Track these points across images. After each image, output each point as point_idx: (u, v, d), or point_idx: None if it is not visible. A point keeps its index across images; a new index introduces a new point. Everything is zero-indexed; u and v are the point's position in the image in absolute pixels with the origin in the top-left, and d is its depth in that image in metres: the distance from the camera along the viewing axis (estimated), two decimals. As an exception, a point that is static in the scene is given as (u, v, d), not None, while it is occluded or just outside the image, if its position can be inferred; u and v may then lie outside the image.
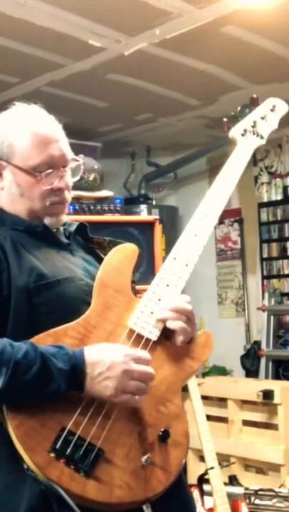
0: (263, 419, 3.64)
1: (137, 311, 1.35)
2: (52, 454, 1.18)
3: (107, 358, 1.22)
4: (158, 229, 3.60)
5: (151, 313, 1.36)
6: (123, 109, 4.86)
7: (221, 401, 3.82)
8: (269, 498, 3.10)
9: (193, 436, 2.92)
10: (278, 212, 5.39)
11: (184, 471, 1.43)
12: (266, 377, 4.89)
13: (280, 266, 5.37)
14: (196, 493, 2.91)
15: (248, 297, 5.69)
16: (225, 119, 1.64)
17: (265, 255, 5.47)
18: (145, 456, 1.25)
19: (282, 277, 5.35)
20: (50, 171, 1.42)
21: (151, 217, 3.87)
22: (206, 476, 2.87)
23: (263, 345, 5.06)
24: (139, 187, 5.90)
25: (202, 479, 2.93)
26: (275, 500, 3.09)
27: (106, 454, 1.22)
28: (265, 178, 5.54)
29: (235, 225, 5.80)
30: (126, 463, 1.23)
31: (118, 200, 3.73)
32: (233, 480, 3.29)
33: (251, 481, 3.51)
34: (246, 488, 3.15)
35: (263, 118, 1.65)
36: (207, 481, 2.87)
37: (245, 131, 1.62)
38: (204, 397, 3.40)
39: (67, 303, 1.35)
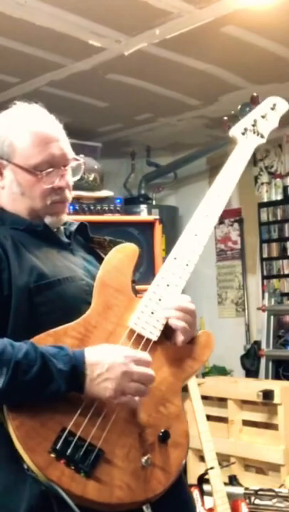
0: (263, 419, 3.64)
1: (137, 311, 1.35)
2: (52, 455, 1.18)
3: (106, 360, 1.22)
4: (158, 229, 3.60)
5: (152, 313, 1.36)
6: (123, 109, 4.86)
7: (221, 401, 3.82)
8: (269, 498, 3.10)
9: (193, 436, 2.92)
10: (278, 212, 5.39)
11: (184, 471, 1.43)
12: (266, 377, 4.89)
13: (280, 266, 5.37)
14: (196, 493, 2.91)
15: (248, 297, 5.69)
16: (225, 118, 1.64)
17: (265, 255, 5.47)
18: (145, 457, 1.25)
19: (282, 277, 5.35)
20: (50, 169, 1.42)
21: (151, 217, 3.87)
22: (206, 476, 2.87)
23: (263, 345, 5.06)
24: (139, 187, 5.90)
25: (202, 479, 2.93)
26: (275, 500, 3.09)
27: (106, 454, 1.22)
28: (265, 178, 5.54)
29: (235, 225, 5.80)
30: (126, 463, 1.23)
31: (118, 200, 3.73)
32: (233, 480, 3.29)
33: (251, 481, 3.51)
34: (246, 488, 3.15)
35: (263, 117, 1.64)
36: (207, 481, 2.87)
37: (245, 130, 1.62)
38: (204, 397, 3.40)
39: (67, 302, 1.35)
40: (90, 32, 3.51)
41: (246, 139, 1.61)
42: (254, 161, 5.55)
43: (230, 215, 5.72)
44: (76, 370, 1.20)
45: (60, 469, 1.17)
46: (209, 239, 1.46)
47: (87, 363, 1.21)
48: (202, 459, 3.23)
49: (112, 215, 3.61)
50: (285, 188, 5.38)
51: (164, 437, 1.28)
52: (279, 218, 5.38)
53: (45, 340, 1.24)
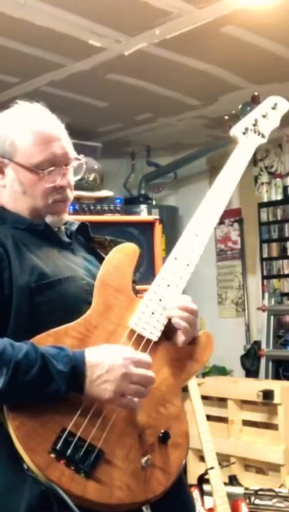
0: (263, 419, 3.64)
1: (137, 312, 1.35)
2: (52, 455, 1.18)
3: (106, 361, 1.22)
4: (158, 229, 3.59)
5: (152, 313, 1.36)
6: (123, 109, 4.86)
7: (221, 401, 3.82)
8: (269, 498, 3.10)
9: (193, 436, 2.92)
10: (278, 212, 5.39)
11: (184, 471, 1.43)
12: (266, 377, 4.89)
13: (280, 266, 5.37)
14: (196, 493, 2.91)
15: (248, 297, 5.69)
16: (226, 117, 1.64)
17: (265, 255, 5.46)
18: (145, 458, 1.25)
19: (282, 277, 5.35)
20: (52, 168, 1.41)
21: (151, 217, 3.87)
22: (206, 476, 2.87)
23: (263, 345, 5.06)
24: (139, 187, 5.90)
25: (202, 479, 2.92)
26: (275, 500, 3.09)
27: (106, 455, 1.22)
28: (265, 178, 5.54)
29: (235, 225, 5.79)
30: (126, 464, 1.23)
31: (118, 200, 3.73)
32: (233, 480, 3.29)
33: (251, 481, 3.51)
34: (246, 488, 3.15)
35: (264, 116, 1.64)
36: (207, 481, 2.87)
37: (246, 129, 1.61)
38: (204, 397, 3.40)
39: (68, 302, 1.34)
40: (90, 32, 3.50)
41: (247, 138, 1.61)
42: (254, 161, 5.54)
43: (230, 215, 5.72)
44: (76, 371, 1.20)
45: (60, 469, 1.17)
46: (209, 239, 1.46)
47: (88, 364, 1.21)
48: (202, 459, 3.23)
49: (112, 215, 3.61)
50: (285, 188, 5.37)
51: (164, 438, 1.28)
52: (279, 218, 5.38)
53: (45, 340, 1.24)
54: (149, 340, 1.34)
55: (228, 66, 4.08)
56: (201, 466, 3.37)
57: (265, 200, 5.49)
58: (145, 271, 3.27)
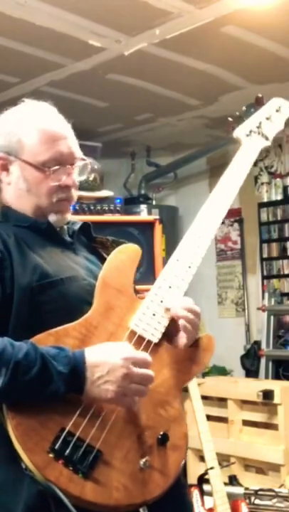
0: (263, 419, 3.64)
1: (138, 313, 1.35)
2: (51, 455, 1.17)
3: (107, 362, 1.22)
4: (158, 229, 3.59)
5: (154, 315, 1.35)
6: (123, 109, 4.86)
7: (221, 401, 3.82)
8: (269, 498, 3.10)
9: (193, 436, 2.93)
10: (278, 212, 5.39)
11: (183, 473, 1.43)
12: (266, 377, 4.89)
13: (280, 266, 5.37)
14: (196, 493, 2.91)
15: (248, 297, 5.69)
16: (230, 119, 1.63)
17: (265, 255, 5.46)
18: (144, 459, 1.24)
19: (282, 277, 5.34)
20: (58, 167, 1.41)
21: (151, 217, 3.86)
22: (206, 476, 2.87)
23: (263, 345, 5.06)
24: (139, 187, 5.90)
25: (202, 479, 2.93)
26: (275, 500, 3.09)
27: (105, 455, 1.21)
28: (265, 178, 5.54)
29: (235, 225, 5.80)
30: (124, 465, 1.23)
31: (118, 200, 3.72)
32: (233, 480, 3.29)
33: (251, 481, 3.51)
34: (246, 488, 3.15)
35: (268, 118, 1.63)
36: (207, 481, 2.87)
37: (250, 131, 1.60)
38: (204, 397, 3.40)
39: (70, 302, 1.34)
40: (90, 32, 3.51)
41: (251, 140, 1.60)
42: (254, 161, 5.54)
43: (230, 215, 5.72)
44: (76, 372, 1.19)
45: (59, 469, 1.17)
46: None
47: (88, 364, 1.21)
48: (202, 459, 3.23)
49: (112, 215, 3.60)
50: (285, 188, 5.37)
51: (163, 440, 1.28)
52: (279, 218, 5.38)
53: (46, 340, 1.24)
54: (149, 342, 1.33)
55: (228, 66, 4.08)
56: (201, 466, 3.37)
57: (265, 200, 5.49)
58: (145, 271, 3.27)
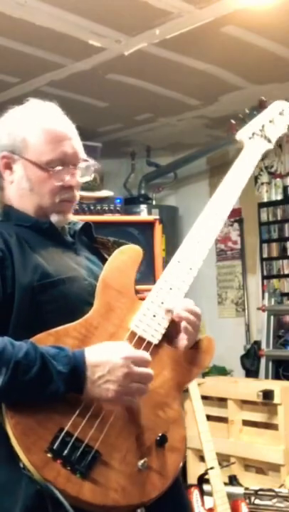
0: (263, 419, 3.64)
1: (139, 314, 1.35)
2: (49, 455, 1.17)
3: (107, 361, 1.22)
4: (158, 229, 3.59)
5: (154, 316, 1.35)
6: (123, 109, 4.86)
7: (221, 401, 3.82)
8: (269, 498, 3.10)
9: (193, 436, 2.94)
10: (278, 212, 5.39)
11: (183, 473, 1.43)
12: (266, 377, 4.89)
13: (280, 266, 5.37)
14: (196, 493, 2.91)
15: (248, 297, 5.69)
16: (233, 121, 1.63)
17: (265, 255, 5.46)
18: (142, 461, 1.24)
19: (282, 277, 5.34)
20: (61, 167, 1.41)
21: (151, 217, 3.86)
22: (206, 476, 2.87)
23: (263, 345, 5.06)
24: (139, 187, 5.90)
25: (202, 479, 2.92)
26: (275, 500, 3.08)
27: (103, 456, 1.21)
28: (265, 178, 5.54)
29: (235, 225, 5.79)
30: (123, 466, 1.23)
31: (118, 200, 3.72)
32: (233, 480, 3.29)
33: (251, 481, 3.50)
34: (246, 488, 3.15)
35: (271, 121, 1.63)
36: (207, 481, 2.87)
37: (253, 134, 1.60)
38: (204, 397, 3.40)
39: (70, 302, 1.34)
40: (90, 32, 3.51)
41: (254, 143, 1.60)
42: (254, 161, 5.54)
43: (230, 215, 5.61)
44: (76, 371, 1.19)
45: (56, 469, 1.17)
46: (210, 240, 1.45)
47: (88, 364, 1.21)
48: (202, 459, 3.23)
49: (112, 215, 3.60)
50: (285, 188, 5.37)
51: (162, 441, 1.28)
52: (279, 218, 5.38)
53: (45, 340, 1.24)
54: (149, 343, 1.33)
55: (228, 66, 4.08)
56: (201, 466, 3.37)
57: (265, 200, 5.49)
58: (145, 271, 3.27)
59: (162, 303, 1.37)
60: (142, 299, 1.38)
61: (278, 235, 5.39)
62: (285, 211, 5.34)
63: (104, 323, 1.32)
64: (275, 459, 3.47)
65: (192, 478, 3.44)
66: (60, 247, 1.44)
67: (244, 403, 3.74)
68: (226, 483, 3.04)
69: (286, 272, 5.32)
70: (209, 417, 3.19)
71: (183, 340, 1.35)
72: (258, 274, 5.57)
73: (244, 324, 5.64)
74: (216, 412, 3.81)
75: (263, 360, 5.01)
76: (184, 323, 1.34)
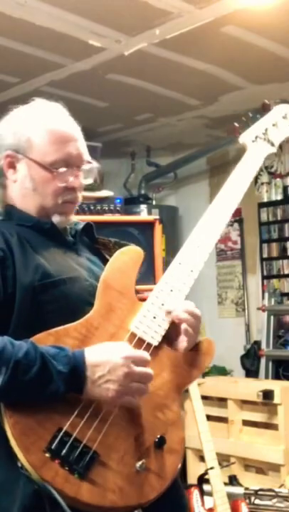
0: (263, 419, 3.64)
1: (139, 315, 1.35)
2: (47, 454, 1.17)
3: (107, 361, 1.22)
4: (158, 229, 3.59)
5: (154, 317, 1.35)
6: (123, 109, 4.86)
7: (221, 401, 3.82)
8: (269, 498, 3.10)
9: (193, 436, 2.94)
10: (278, 212, 5.39)
11: (182, 475, 1.43)
12: (266, 377, 4.89)
13: (280, 266, 5.37)
14: (196, 493, 2.91)
15: (248, 297, 5.68)
16: (236, 124, 1.63)
17: (265, 255, 5.46)
18: (140, 462, 1.24)
19: (282, 277, 5.34)
20: (65, 169, 1.41)
21: (151, 217, 3.86)
22: (206, 476, 2.87)
23: (263, 345, 5.05)
24: (139, 187, 5.89)
25: (202, 479, 2.93)
26: (275, 500, 3.09)
27: (101, 457, 1.21)
28: (265, 178, 5.53)
29: (235, 225, 5.79)
30: (121, 467, 1.23)
31: (118, 200, 3.73)
32: (233, 480, 3.29)
33: (251, 481, 3.51)
34: (246, 488, 3.15)
35: (274, 125, 1.62)
36: (207, 481, 2.88)
37: (256, 137, 1.60)
38: (204, 397, 3.40)
39: (71, 302, 1.34)
40: (90, 32, 3.50)
41: (257, 146, 1.59)
42: (254, 161, 5.53)
43: (230, 215, 5.70)
44: (76, 371, 1.20)
45: (55, 469, 1.17)
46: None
47: (88, 364, 1.21)
48: (202, 459, 3.23)
49: (112, 215, 3.60)
50: (285, 188, 5.37)
51: (160, 443, 1.28)
52: (279, 218, 5.38)
53: (46, 340, 1.24)
54: (149, 345, 1.33)
55: (228, 66, 4.08)
56: (201, 466, 3.37)
57: (265, 200, 5.49)
58: (145, 271, 3.27)
59: (163, 305, 1.36)
60: (142, 299, 1.38)
61: (278, 235, 5.38)
62: (285, 211, 5.33)
63: (105, 324, 1.32)
64: (275, 459, 3.47)
65: (192, 478, 3.44)
66: (61, 247, 1.44)
67: (244, 403, 3.75)
68: (226, 483, 3.04)
69: (286, 272, 5.32)
70: (209, 417, 3.19)
71: (183, 342, 1.35)
72: (258, 274, 5.57)
73: (244, 324, 5.64)
74: (216, 412, 3.82)
75: (263, 360, 5.00)
76: (184, 325, 1.34)
